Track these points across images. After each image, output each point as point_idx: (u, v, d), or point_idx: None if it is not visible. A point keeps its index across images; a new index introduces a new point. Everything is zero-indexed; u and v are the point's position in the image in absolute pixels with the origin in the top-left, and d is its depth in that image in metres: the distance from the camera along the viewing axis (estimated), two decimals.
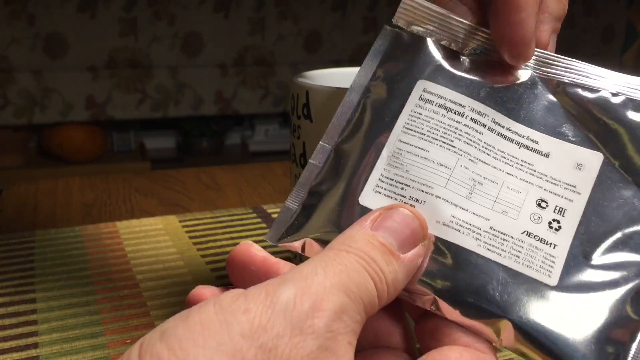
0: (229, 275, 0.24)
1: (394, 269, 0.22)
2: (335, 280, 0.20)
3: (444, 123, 0.25)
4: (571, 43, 2.51)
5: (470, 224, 0.24)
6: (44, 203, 0.64)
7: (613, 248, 0.23)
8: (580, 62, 0.27)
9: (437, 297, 0.23)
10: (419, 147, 0.25)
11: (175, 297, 0.44)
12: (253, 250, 0.23)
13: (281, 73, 2.31)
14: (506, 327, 0.22)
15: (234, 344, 0.17)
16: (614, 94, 0.26)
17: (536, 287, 0.23)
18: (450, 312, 0.23)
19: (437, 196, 0.24)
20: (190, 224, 0.58)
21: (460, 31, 0.27)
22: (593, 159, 0.25)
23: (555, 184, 0.24)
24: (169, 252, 0.51)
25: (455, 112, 0.26)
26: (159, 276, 0.47)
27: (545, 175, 0.25)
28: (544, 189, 0.24)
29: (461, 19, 0.27)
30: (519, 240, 0.23)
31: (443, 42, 0.27)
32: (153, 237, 0.54)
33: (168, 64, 2.18)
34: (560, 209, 0.24)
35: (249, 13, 2.24)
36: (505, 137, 0.25)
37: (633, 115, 0.25)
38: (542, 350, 0.22)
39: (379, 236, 0.22)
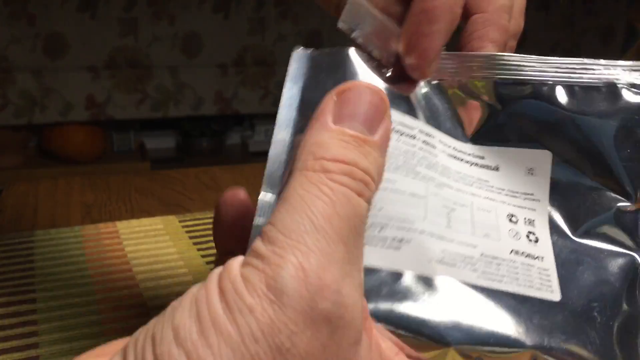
0: (220, 218, 0.24)
1: (373, 158, 0.20)
2: (328, 236, 0.18)
3: (401, 149, 0.23)
4: (571, 43, 2.51)
5: (463, 256, 0.22)
6: (43, 203, 0.64)
7: (590, 247, 0.23)
8: (498, 54, 0.25)
9: (455, 347, 0.21)
10: (385, 179, 0.22)
11: (175, 297, 0.44)
12: (243, 192, 0.24)
13: (281, 73, 2.31)
14: (532, 356, 0.21)
15: (249, 349, 0.17)
16: (544, 84, 0.24)
17: (546, 308, 0.22)
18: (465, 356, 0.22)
19: (420, 231, 0.22)
20: (190, 224, 0.57)
21: (392, 39, 0.25)
22: (542, 159, 0.24)
23: (514, 197, 0.24)
24: (169, 252, 0.51)
25: (407, 136, 0.23)
26: (159, 276, 0.47)
27: (503, 190, 0.24)
28: (508, 204, 0.23)
29: (394, 26, 0.25)
30: (511, 261, 0.23)
31: (374, 53, 0.25)
32: (153, 237, 0.54)
33: (168, 64, 2.18)
34: (529, 220, 0.23)
35: (248, 13, 2.24)
36: (455, 157, 0.24)
37: (570, 103, 0.24)
38: None
39: (347, 129, 0.20)
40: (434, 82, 0.25)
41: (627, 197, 0.23)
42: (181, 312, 0.18)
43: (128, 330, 0.40)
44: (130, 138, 2.21)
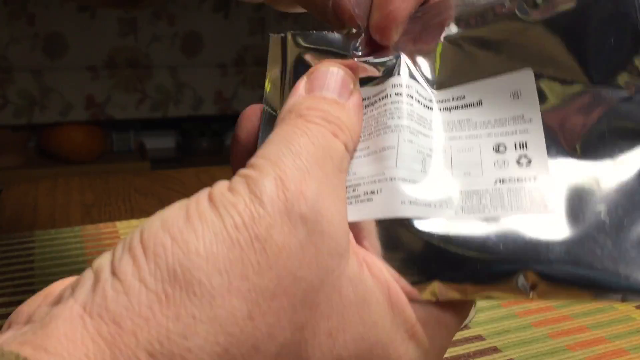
0: (238, 135, 0.26)
1: (347, 114, 0.22)
2: (304, 158, 0.20)
3: (373, 116, 0.24)
4: None
5: (440, 199, 0.22)
6: (43, 203, 0.64)
7: (592, 151, 0.21)
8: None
9: (440, 282, 0.21)
10: (358, 149, 0.23)
11: None
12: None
13: None
14: (531, 276, 0.20)
15: (230, 235, 0.18)
16: (501, 4, 0.24)
17: (540, 224, 0.20)
18: (454, 289, 0.21)
19: (391, 179, 0.22)
20: None
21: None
22: (525, 79, 0.23)
23: (503, 125, 0.23)
24: None
25: (380, 99, 0.24)
26: None
27: (489, 122, 0.23)
28: (495, 135, 0.23)
29: None
30: (496, 190, 0.21)
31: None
32: None
33: (168, 63, 2.18)
34: (521, 144, 0.22)
35: (249, 13, 2.24)
36: (431, 108, 0.24)
37: (534, 14, 0.23)
38: (578, 284, 0.20)
39: (318, 93, 0.23)
40: (402, 50, 0.25)
41: (615, 86, 0.22)
42: (170, 209, 0.19)
43: None
44: (130, 138, 2.21)
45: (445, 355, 0.39)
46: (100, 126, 2.11)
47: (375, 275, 0.21)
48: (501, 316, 0.44)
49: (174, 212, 0.19)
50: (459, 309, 0.23)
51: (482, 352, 0.40)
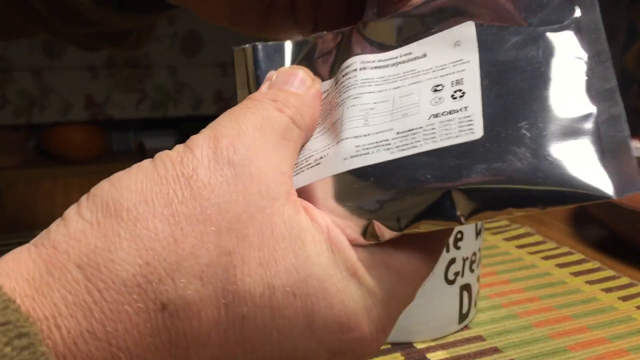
0: None
1: (298, 98, 0.24)
2: (242, 123, 0.22)
3: (327, 103, 0.26)
4: None
5: (376, 142, 0.23)
6: (43, 203, 0.64)
7: (520, 77, 0.22)
8: None
9: (376, 220, 0.22)
10: (315, 132, 0.25)
11: None
12: None
13: None
14: (456, 197, 0.21)
15: (159, 173, 0.21)
16: None
17: (464, 149, 0.21)
18: (388, 226, 0.21)
19: (337, 142, 0.23)
20: None
21: None
22: (466, 30, 0.24)
23: (442, 69, 0.23)
24: None
25: (334, 86, 0.26)
26: None
27: (431, 69, 0.24)
28: (434, 78, 0.23)
29: None
30: (429, 125, 0.22)
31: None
32: None
33: (167, 63, 2.18)
34: (457, 81, 0.23)
35: None
36: (379, 67, 0.25)
37: None
38: (500, 197, 0.20)
39: (276, 88, 0.25)
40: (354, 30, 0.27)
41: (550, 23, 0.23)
42: (119, 173, 0.22)
43: None
44: (130, 138, 2.21)
45: (446, 355, 0.39)
46: (100, 126, 2.11)
47: (315, 220, 0.22)
48: (502, 316, 0.44)
49: (120, 173, 0.22)
50: (411, 254, 0.23)
51: (483, 353, 0.40)
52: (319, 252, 0.21)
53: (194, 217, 0.20)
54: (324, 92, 0.26)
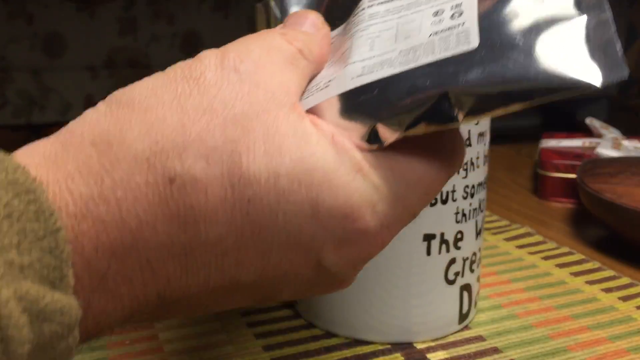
0: None
1: (307, 35, 0.25)
2: (251, 45, 0.24)
3: (340, 38, 0.27)
4: None
5: (381, 61, 0.24)
6: None
7: None
8: None
9: (380, 123, 0.23)
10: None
11: None
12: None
13: None
14: (453, 98, 0.22)
15: (167, 75, 0.23)
16: None
17: (462, 57, 0.22)
18: (392, 129, 0.23)
19: (345, 66, 0.25)
20: None
21: None
22: None
23: None
24: None
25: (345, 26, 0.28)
26: None
27: None
28: (436, 6, 0.25)
29: None
30: (429, 41, 0.24)
31: None
32: None
33: (168, 63, 2.17)
34: (456, 5, 0.24)
35: (248, 12, 2.24)
36: (385, 2, 0.27)
37: None
38: (493, 95, 0.22)
39: (287, 27, 0.26)
40: None
41: None
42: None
43: (127, 332, 0.39)
44: None
45: (446, 356, 0.39)
46: None
47: (320, 128, 0.23)
48: (502, 317, 0.44)
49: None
50: (415, 162, 0.23)
51: (483, 353, 0.40)
52: (324, 150, 0.22)
53: (202, 109, 0.22)
54: (336, 35, 0.28)
